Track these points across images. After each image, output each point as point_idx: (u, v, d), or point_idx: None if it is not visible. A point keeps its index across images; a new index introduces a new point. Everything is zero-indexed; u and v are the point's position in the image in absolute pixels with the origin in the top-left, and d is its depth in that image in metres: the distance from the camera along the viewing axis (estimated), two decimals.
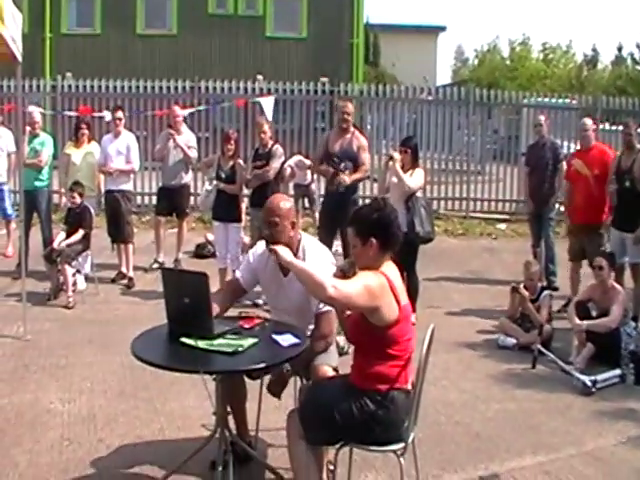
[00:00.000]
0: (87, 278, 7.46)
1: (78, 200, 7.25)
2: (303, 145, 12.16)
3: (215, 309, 3.43)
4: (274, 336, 3.30)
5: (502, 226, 11.85)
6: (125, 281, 7.76)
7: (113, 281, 7.78)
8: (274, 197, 3.70)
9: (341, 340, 4.08)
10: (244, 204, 7.45)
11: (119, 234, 7.91)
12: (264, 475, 3.69)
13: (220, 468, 3.30)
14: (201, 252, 9.08)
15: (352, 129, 6.92)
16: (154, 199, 9.96)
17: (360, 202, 6.99)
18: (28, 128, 7.76)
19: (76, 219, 7.24)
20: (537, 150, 7.93)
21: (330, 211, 6.90)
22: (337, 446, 3.10)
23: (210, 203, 7.14)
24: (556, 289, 7.28)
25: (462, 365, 5.51)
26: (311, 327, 3.60)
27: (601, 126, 12.14)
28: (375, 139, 12.52)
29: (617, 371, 5.20)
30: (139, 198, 11.85)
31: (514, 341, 5.90)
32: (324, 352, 3.52)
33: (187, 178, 8.36)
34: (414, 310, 4.88)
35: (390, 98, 12.97)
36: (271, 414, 4.00)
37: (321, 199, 8.44)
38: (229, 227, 7.06)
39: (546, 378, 5.25)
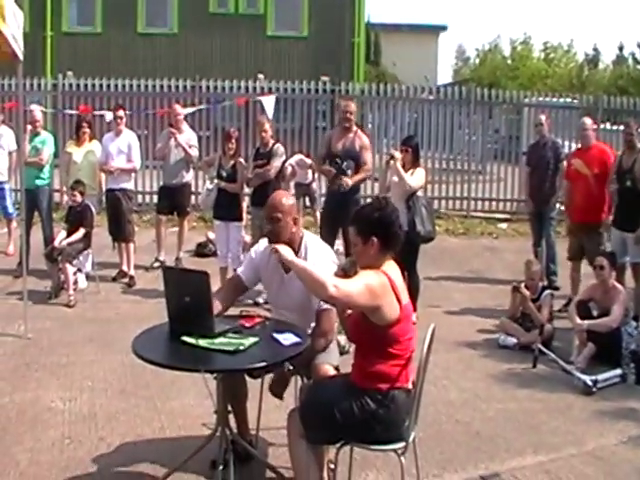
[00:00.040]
0: (88, 277, 7.46)
1: (79, 199, 7.25)
2: (304, 144, 12.15)
3: (217, 306, 3.43)
4: (275, 335, 3.30)
5: (503, 225, 11.85)
6: (126, 280, 7.76)
7: (114, 280, 7.78)
8: (276, 193, 3.73)
9: (342, 339, 4.08)
10: (245, 203, 7.46)
11: (120, 233, 7.91)
12: (265, 474, 3.69)
13: (221, 467, 3.30)
14: (202, 251, 9.07)
15: (355, 128, 6.91)
16: (155, 198, 9.97)
17: (361, 201, 6.98)
18: (29, 127, 7.74)
19: (77, 218, 7.24)
20: (538, 150, 7.93)
21: (332, 210, 6.90)
22: (338, 445, 3.10)
23: (211, 202, 7.14)
24: (557, 288, 7.27)
25: (463, 364, 5.51)
26: (312, 325, 3.60)
27: (602, 126, 12.11)
28: (376, 138, 12.48)
29: (618, 371, 5.20)
30: (140, 197, 11.84)
31: (515, 340, 5.89)
32: (325, 351, 3.51)
33: (188, 177, 8.36)
34: (415, 309, 4.89)
35: (391, 97, 12.96)
36: (272, 413, 4.01)
37: (322, 198, 8.43)
38: (230, 226, 7.06)
39: (547, 378, 5.25)
